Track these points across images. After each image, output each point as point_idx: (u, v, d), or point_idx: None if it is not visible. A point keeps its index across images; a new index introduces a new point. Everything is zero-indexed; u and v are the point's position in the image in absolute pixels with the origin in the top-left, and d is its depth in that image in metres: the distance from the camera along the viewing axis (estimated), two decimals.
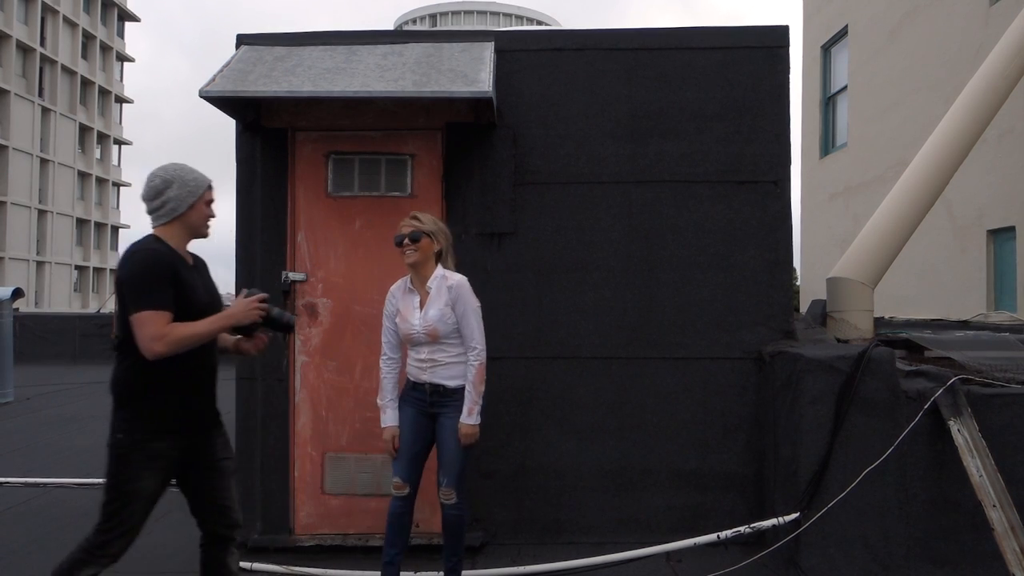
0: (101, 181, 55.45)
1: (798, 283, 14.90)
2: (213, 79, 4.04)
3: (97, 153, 54.78)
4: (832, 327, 5.26)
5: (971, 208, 9.86)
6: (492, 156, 4.54)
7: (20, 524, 4.99)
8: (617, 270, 4.52)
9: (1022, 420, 3.91)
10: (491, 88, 4.00)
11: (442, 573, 3.67)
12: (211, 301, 2.96)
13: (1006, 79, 6.56)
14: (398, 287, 3.70)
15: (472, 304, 3.57)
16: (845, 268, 5.58)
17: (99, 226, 55.18)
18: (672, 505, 4.46)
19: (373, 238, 4.46)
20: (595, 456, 4.48)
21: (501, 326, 4.46)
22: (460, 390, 3.55)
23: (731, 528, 4.09)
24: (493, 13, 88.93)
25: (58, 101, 49.02)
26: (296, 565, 4.13)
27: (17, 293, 10.91)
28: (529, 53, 4.60)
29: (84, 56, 52.25)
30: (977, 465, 3.63)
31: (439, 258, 3.64)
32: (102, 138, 55.35)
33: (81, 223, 52.89)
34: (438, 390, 3.57)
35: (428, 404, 3.59)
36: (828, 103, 14.35)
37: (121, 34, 57.63)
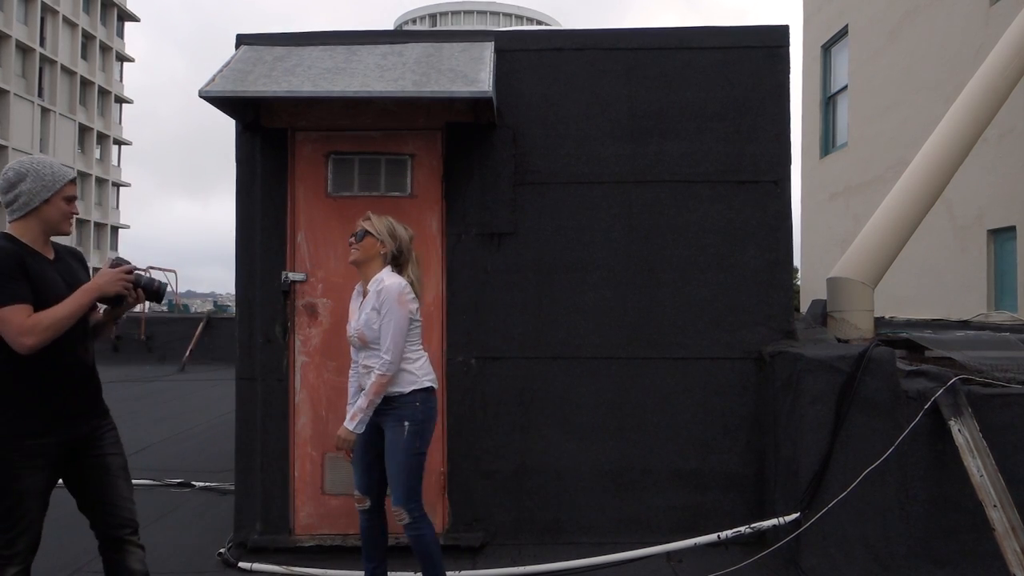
0: (101, 181, 55.46)
1: (798, 283, 14.90)
2: (213, 79, 4.04)
3: (97, 153, 54.78)
4: (832, 327, 5.25)
5: (971, 208, 9.85)
6: (492, 156, 4.53)
7: None
8: (617, 270, 4.52)
9: (1022, 420, 3.91)
10: (491, 88, 3.99)
11: None
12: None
13: (1006, 79, 6.56)
14: (356, 289, 3.59)
15: (396, 312, 3.32)
16: (845, 268, 5.57)
17: (99, 226, 55.18)
18: (672, 505, 4.45)
19: None
20: (595, 456, 4.47)
21: (501, 326, 4.46)
22: (397, 398, 3.37)
23: (731, 528, 4.08)
24: (493, 13, 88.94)
25: (58, 101, 49.01)
26: (296, 565, 4.13)
27: None
28: (529, 53, 4.60)
29: (84, 56, 52.25)
30: (978, 465, 3.63)
31: (390, 262, 3.47)
32: (102, 138, 55.36)
33: (81, 223, 52.87)
34: None
35: (375, 412, 3.41)
36: (828, 103, 14.35)
37: (121, 34, 57.62)
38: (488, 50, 4.45)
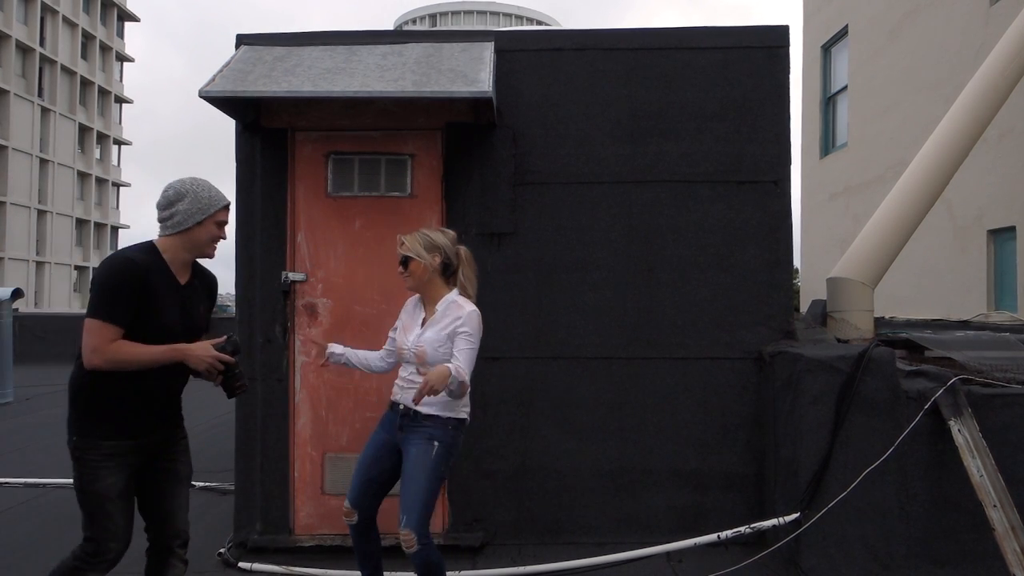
0: (101, 181, 55.45)
1: (798, 283, 14.90)
2: (213, 79, 4.04)
3: (97, 153, 54.77)
4: (832, 327, 5.25)
5: (971, 208, 9.85)
6: (492, 156, 4.53)
7: (20, 524, 4.99)
8: (617, 270, 4.52)
9: (1022, 420, 3.91)
10: (491, 88, 3.99)
11: None
12: (188, 325, 2.84)
13: (1006, 79, 6.56)
14: (411, 301, 3.48)
15: (476, 338, 3.21)
16: (845, 268, 5.58)
17: (99, 226, 55.18)
18: (672, 505, 4.45)
19: (373, 238, 4.45)
20: (595, 456, 4.47)
21: (501, 326, 4.46)
22: (432, 418, 3.21)
23: (731, 528, 4.08)
24: (493, 13, 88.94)
25: (58, 101, 49.01)
26: (296, 565, 4.13)
27: (17, 293, 10.92)
28: (529, 53, 4.60)
29: (84, 56, 52.24)
30: (977, 465, 3.63)
31: (446, 272, 3.33)
32: (102, 138, 55.34)
33: (81, 223, 52.89)
34: (409, 413, 3.24)
35: (397, 428, 3.29)
36: (828, 103, 14.35)
37: (121, 34, 57.62)
38: (488, 50, 4.45)
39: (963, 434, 3.72)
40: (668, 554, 4.11)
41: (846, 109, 13.57)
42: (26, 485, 5.81)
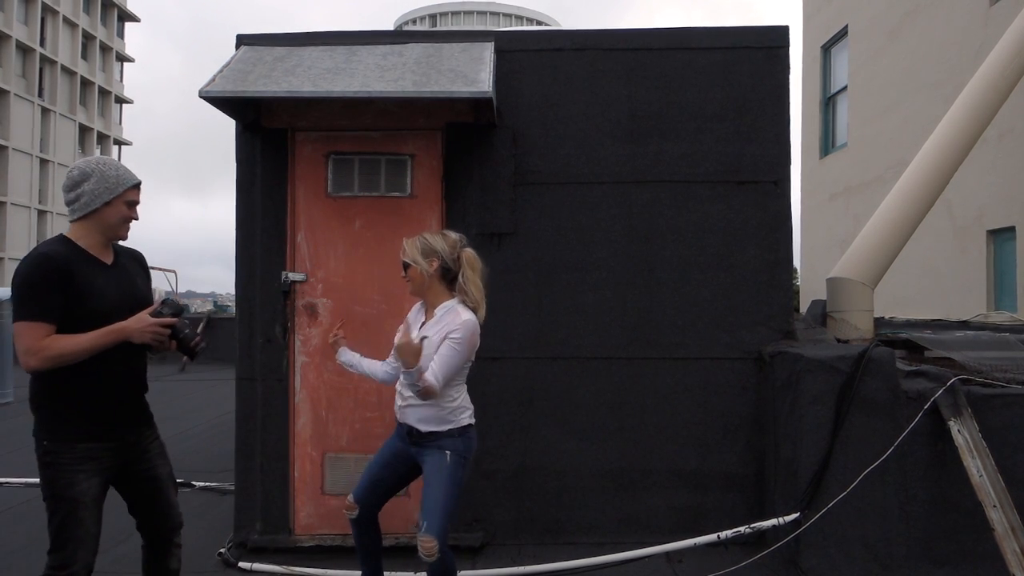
0: None
1: (798, 283, 14.90)
2: (213, 79, 4.04)
3: (97, 154, 54.78)
4: (832, 327, 5.26)
5: (971, 208, 9.86)
6: (492, 156, 4.53)
7: (20, 524, 4.99)
8: (617, 270, 4.52)
9: (1022, 420, 3.91)
10: (491, 88, 3.99)
11: None
12: (131, 303, 2.73)
13: (1006, 79, 6.56)
14: (414, 308, 3.46)
15: (464, 348, 3.15)
16: (845, 268, 5.58)
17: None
18: (672, 505, 4.45)
19: (373, 238, 4.46)
20: (595, 456, 4.47)
21: (501, 326, 4.46)
22: (433, 435, 3.20)
23: (731, 528, 4.08)
24: (493, 13, 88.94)
25: (58, 101, 49.01)
26: (296, 565, 4.13)
27: None
28: (529, 53, 4.60)
29: (84, 56, 52.24)
30: (977, 465, 3.63)
31: (447, 277, 3.29)
32: (102, 138, 55.34)
33: None
34: (413, 433, 3.25)
35: (408, 445, 3.30)
36: (828, 103, 14.35)
37: (121, 34, 57.62)
38: (488, 50, 4.45)
39: (963, 434, 3.72)
40: (668, 554, 4.11)
41: (846, 109, 13.57)
42: (26, 485, 5.81)
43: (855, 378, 3.90)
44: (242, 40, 4.58)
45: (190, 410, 9.70)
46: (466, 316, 3.21)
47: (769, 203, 4.53)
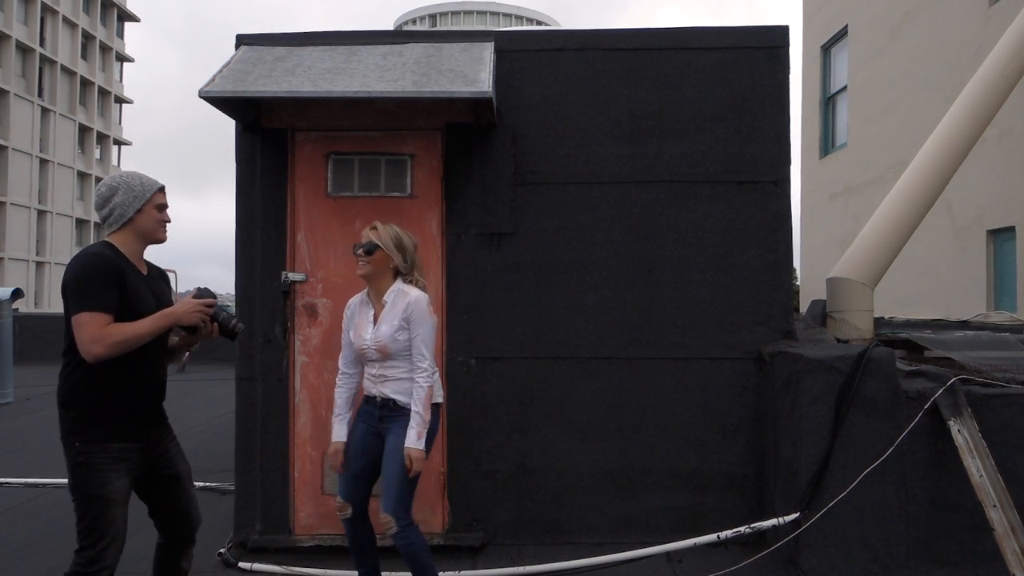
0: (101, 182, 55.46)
1: (798, 283, 14.90)
2: (213, 79, 4.04)
3: (97, 153, 54.77)
4: (832, 327, 5.26)
5: (971, 208, 9.86)
6: (492, 156, 4.53)
7: (20, 524, 4.99)
8: (617, 270, 4.52)
9: (1022, 420, 3.91)
10: (491, 88, 4.00)
11: None
12: (159, 311, 2.87)
13: (1006, 79, 6.56)
14: (356, 300, 3.54)
15: (427, 322, 3.34)
16: (845, 268, 5.58)
17: (99, 227, 55.10)
18: (672, 505, 4.45)
19: None
20: (595, 456, 4.47)
21: (501, 326, 4.46)
22: (407, 409, 3.33)
23: (731, 528, 4.08)
24: (493, 13, 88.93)
25: (58, 101, 49.02)
26: (296, 565, 4.13)
27: (17, 293, 10.92)
28: (529, 53, 4.60)
29: (84, 56, 52.24)
30: (977, 465, 3.63)
31: (398, 274, 3.44)
32: (102, 138, 55.35)
33: (81, 223, 52.87)
34: (388, 404, 3.37)
35: (377, 419, 3.41)
36: (828, 103, 14.35)
37: (121, 34, 57.62)
38: (488, 50, 4.45)
39: (963, 434, 3.72)
40: (668, 554, 4.11)
41: (846, 109, 13.57)
42: (26, 485, 5.81)
43: (855, 378, 3.90)
44: (242, 40, 4.58)
45: (190, 410, 9.70)
46: (415, 294, 3.39)
47: (769, 203, 4.53)
